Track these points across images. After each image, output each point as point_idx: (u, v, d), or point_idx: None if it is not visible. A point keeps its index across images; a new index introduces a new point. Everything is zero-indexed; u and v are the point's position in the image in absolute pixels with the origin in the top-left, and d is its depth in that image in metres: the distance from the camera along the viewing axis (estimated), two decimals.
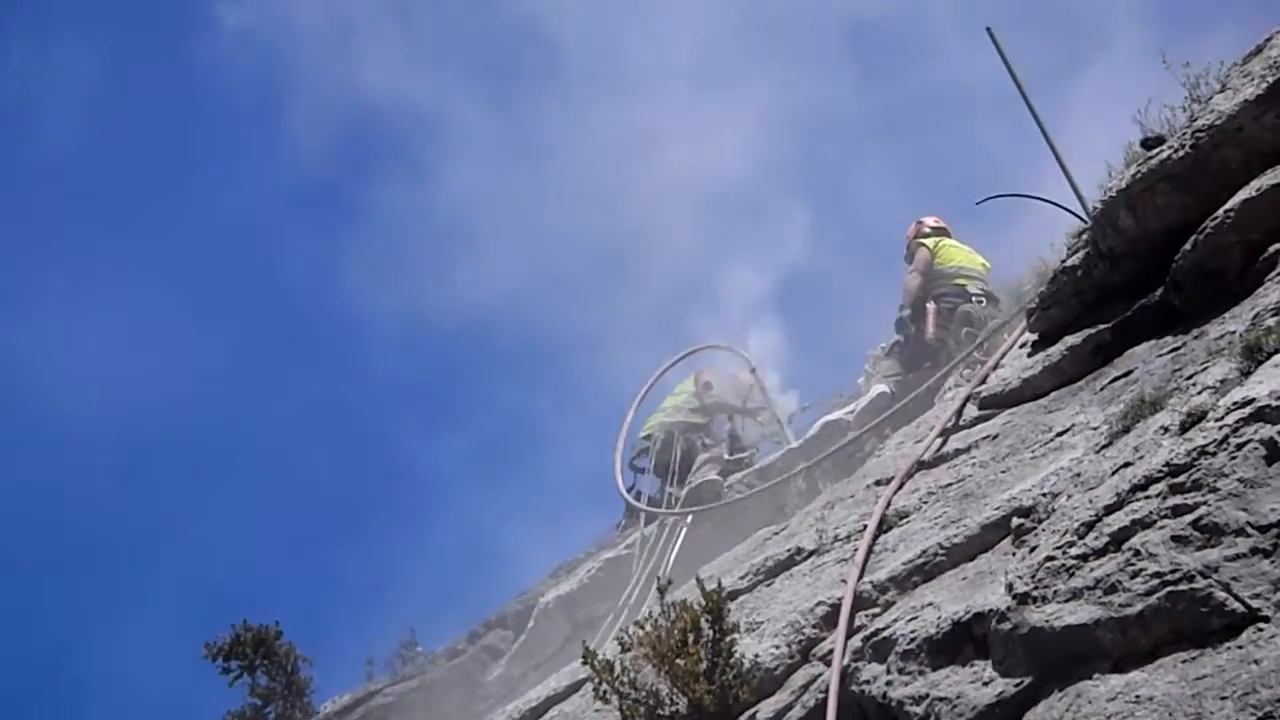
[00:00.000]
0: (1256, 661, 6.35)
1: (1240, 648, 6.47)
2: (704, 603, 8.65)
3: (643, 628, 8.66)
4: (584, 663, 8.91)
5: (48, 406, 47.37)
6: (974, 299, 16.27)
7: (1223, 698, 6.34)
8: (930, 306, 16.37)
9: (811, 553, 10.26)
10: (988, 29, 14.00)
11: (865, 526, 9.69)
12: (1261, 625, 6.47)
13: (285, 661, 19.58)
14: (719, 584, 9.00)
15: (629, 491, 17.52)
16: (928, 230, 17.09)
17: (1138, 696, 6.66)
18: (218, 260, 52.64)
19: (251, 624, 19.47)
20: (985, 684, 7.47)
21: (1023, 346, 11.40)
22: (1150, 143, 10.50)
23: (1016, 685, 7.31)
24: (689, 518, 16.28)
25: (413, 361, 49.64)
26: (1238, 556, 6.67)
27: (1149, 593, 6.83)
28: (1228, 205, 9.27)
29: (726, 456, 17.21)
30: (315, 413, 48.79)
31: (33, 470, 47.03)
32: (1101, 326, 10.14)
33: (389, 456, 48.04)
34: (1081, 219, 12.71)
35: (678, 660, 8.46)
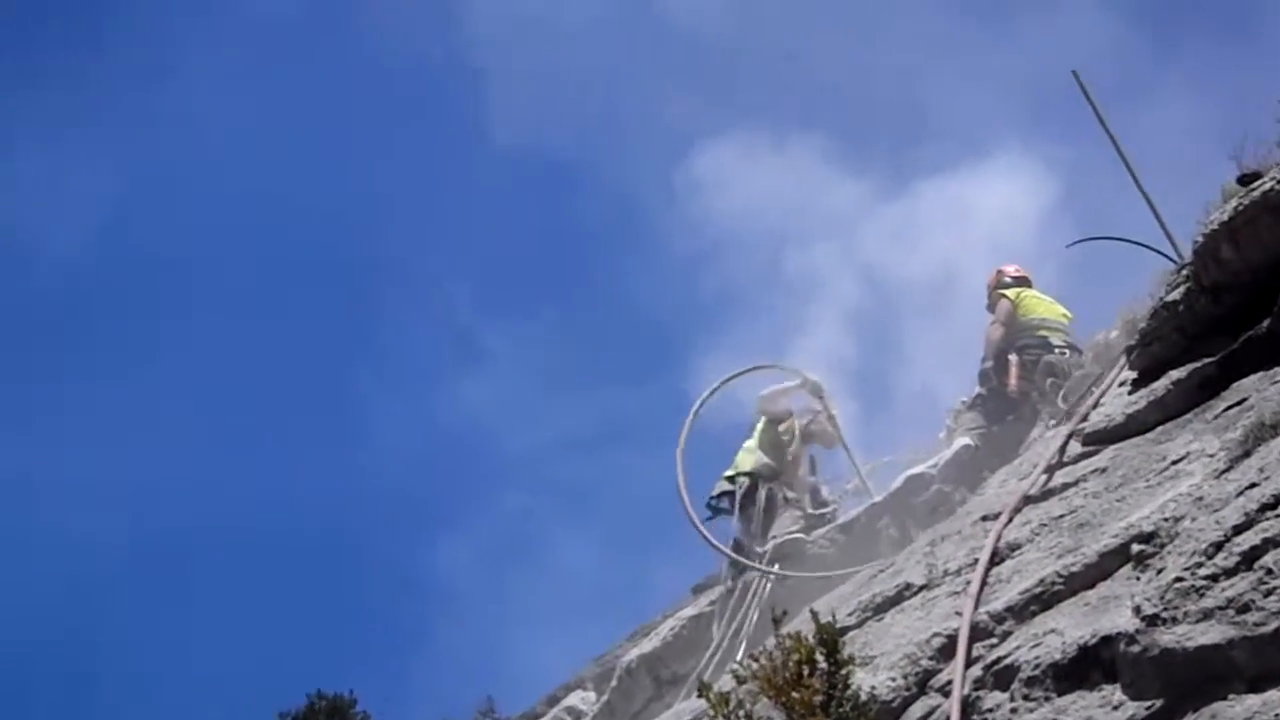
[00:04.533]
0: None
1: None
2: (819, 634, 8.53)
3: (757, 660, 8.55)
4: (700, 695, 8.80)
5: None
6: (1057, 350, 16.11)
7: None
8: (1013, 358, 16.19)
9: (921, 588, 10.12)
10: (1073, 72, 13.97)
11: (976, 559, 9.56)
12: None
13: None
14: (833, 615, 8.89)
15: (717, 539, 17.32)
16: (1008, 280, 16.93)
17: (1276, 715, 6.54)
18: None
19: (325, 692, 19.39)
20: (1115, 708, 7.35)
21: (1122, 385, 11.28)
22: (1247, 178, 10.43)
23: (1148, 708, 7.19)
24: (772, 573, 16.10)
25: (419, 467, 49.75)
26: None
27: None
28: None
29: (809, 510, 17.01)
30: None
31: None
32: (1207, 360, 10.03)
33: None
34: (1172, 260, 12.64)
35: (793, 693, 8.32)
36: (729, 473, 17.21)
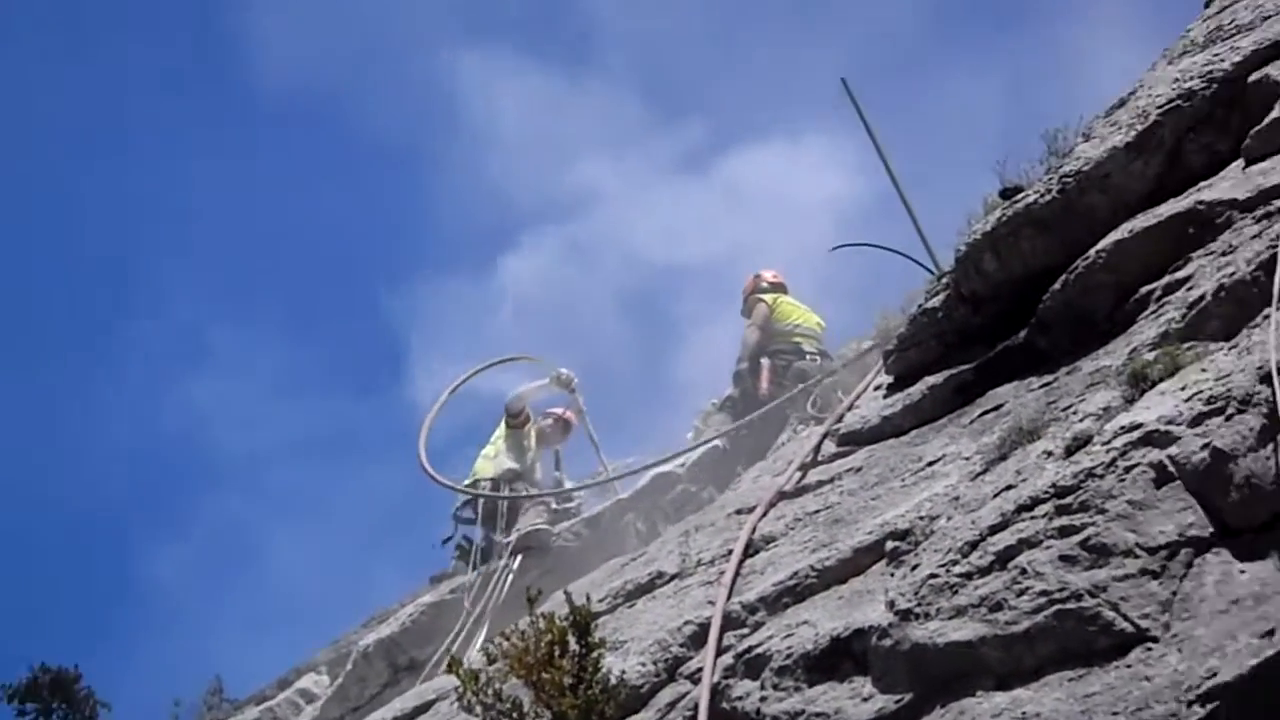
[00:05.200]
0: (1148, 679, 6.35)
1: (1129, 666, 6.46)
2: (571, 616, 8.47)
3: (509, 639, 8.46)
4: (449, 671, 8.70)
5: None
6: (809, 357, 16.31)
7: (1114, 713, 6.33)
8: (765, 362, 16.38)
9: (674, 576, 10.12)
10: (842, 80, 14.11)
11: (730, 551, 9.58)
12: (1150, 645, 6.47)
13: (84, 705, 18.92)
14: (587, 599, 8.83)
15: (449, 541, 17.17)
16: (765, 285, 17.12)
17: (1024, 713, 6.62)
18: None
19: (50, 666, 18.79)
20: (864, 700, 7.36)
21: (878, 389, 11.40)
22: (1009, 193, 10.60)
23: (897, 701, 7.21)
24: (515, 562, 16.01)
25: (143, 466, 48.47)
26: (1126, 577, 6.68)
27: (1036, 611, 6.81)
28: (1100, 245, 9.38)
29: (554, 506, 16.96)
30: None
31: None
32: (963, 367, 10.16)
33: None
34: (930, 270, 12.82)
35: (543, 673, 8.25)
36: (468, 481, 17.08)
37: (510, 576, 15.90)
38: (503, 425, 17.51)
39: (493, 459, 17.24)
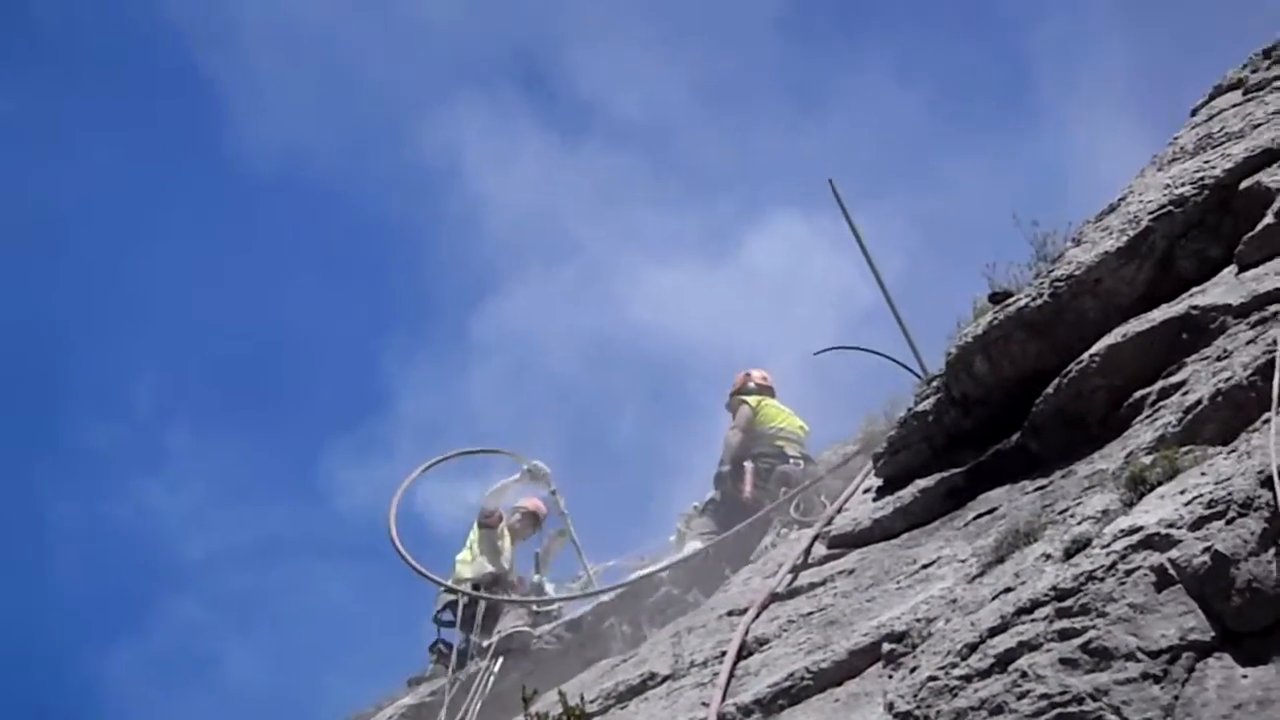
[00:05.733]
0: None
1: None
2: (565, 716, 8.40)
3: None
4: None
5: None
6: (791, 460, 16.24)
7: None
8: (748, 465, 16.29)
9: (666, 678, 10.04)
10: (829, 181, 14.17)
11: (724, 652, 9.52)
12: None
13: None
14: (581, 699, 8.77)
15: (433, 646, 17.02)
16: (752, 386, 17.04)
17: None
18: None
19: None
20: None
21: (866, 491, 11.37)
22: (998, 297, 10.63)
23: None
24: (496, 665, 15.87)
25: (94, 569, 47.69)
26: (1128, 681, 6.65)
27: (1037, 714, 6.78)
28: (1093, 350, 9.41)
29: (535, 608, 16.83)
30: None
31: None
32: (954, 470, 10.15)
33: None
34: (917, 375, 12.84)
35: None
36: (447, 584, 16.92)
37: (491, 679, 15.75)
38: (476, 528, 17.39)
39: (470, 563, 17.08)
